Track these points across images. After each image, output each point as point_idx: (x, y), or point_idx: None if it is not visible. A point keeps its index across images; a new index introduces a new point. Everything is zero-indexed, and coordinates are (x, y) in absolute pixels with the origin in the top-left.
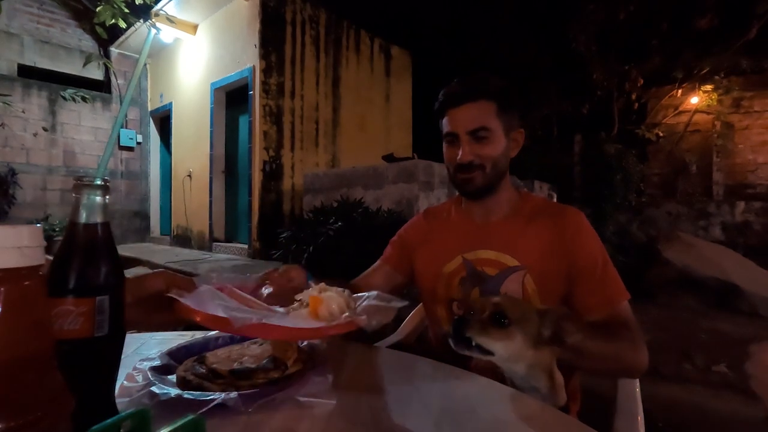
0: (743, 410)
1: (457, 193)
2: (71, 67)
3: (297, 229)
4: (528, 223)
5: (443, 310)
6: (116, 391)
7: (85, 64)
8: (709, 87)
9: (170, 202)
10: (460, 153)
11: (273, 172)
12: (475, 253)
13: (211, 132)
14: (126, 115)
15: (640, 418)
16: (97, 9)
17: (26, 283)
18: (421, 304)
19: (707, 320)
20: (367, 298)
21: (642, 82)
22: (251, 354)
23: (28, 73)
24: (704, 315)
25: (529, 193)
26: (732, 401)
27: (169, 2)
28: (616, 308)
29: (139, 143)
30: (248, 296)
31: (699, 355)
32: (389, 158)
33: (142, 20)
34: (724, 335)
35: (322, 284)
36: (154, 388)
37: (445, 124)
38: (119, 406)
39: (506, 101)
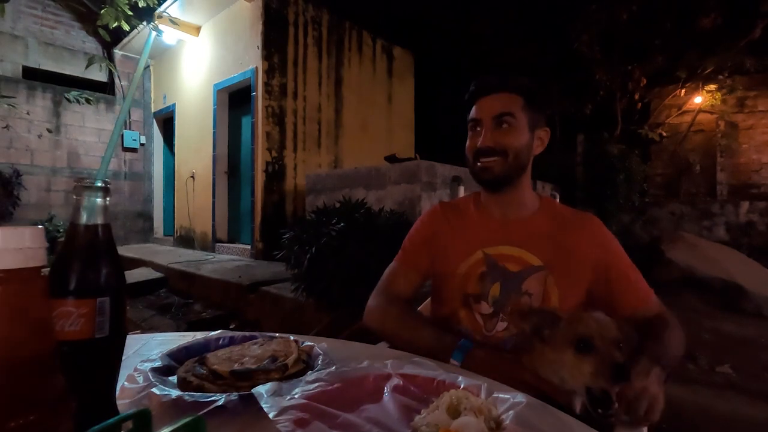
0: (747, 411)
1: (460, 193)
2: (75, 68)
3: (300, 229)
4: (551, 225)
5: (459, 305)
6: (117, 392)
7: (87, 66)
8: (712, 86)
9: (173, 203)
10: (481, 138)
11: (276, 173)
12: (496, 248)
13: (214, 133)
14: (129, 117)
15: None
16: (101, 12)
17: (28, 284)
18: (423, 304)
19: (711, 321)
20: (512, 404)
21: (645, 81)
22: (252, 355)
23: (32, 75)
24: (708, 315)
25: (551, 199)
26: (736, 402)
27: (172, 4)
28: (652, 305)
29: (142, 144)
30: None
31: (703, 355)
32: (391, 159)
33: (145, 22)
34: (728, 336)
35: (454, 396)
36: (154, 389)
37: (472, 113)
38: (120, 407)
39: (533, 98)
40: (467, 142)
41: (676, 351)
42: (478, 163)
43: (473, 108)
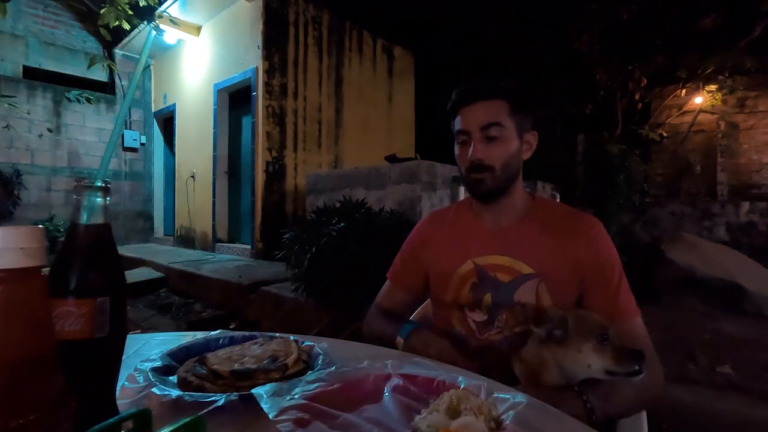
0: (747, 411)
1: (461, 197)
2: (76, 68)
3: (300, 229)
4: (542, 229)
5: (453, 311)
6: (117, 392)
7: (89, 66)
8: (713, 87)
9: (174, 202)
10: (471, 150)
11: (276, 173)
12: (486, 258)
13: (215, 133)
14: (129, 116)
15: (644, 420)
16: (101, 11)
17: (28, 283)
18: (423, 304)
19: (711, 321)
20: (512, 404)
21: (645, 81)
22: (252, 355)
23: (33, 75)
24: (708, 316)
25: (544, 198)
26: (736, 402)
27: (172, 4)
28: (629, 324)
29: (142, 144)
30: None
31: (703, 356)
32: (392, 159)
33: (145, 22)
34: (728, 336)
35: (454, 396)
36: (155, 389)
37: (458, 123)
38: (120, 407)
39: (519, 102)
40: (457, 152)
41: (629, 399)
42: (471, 176)
43: (458, 118)
